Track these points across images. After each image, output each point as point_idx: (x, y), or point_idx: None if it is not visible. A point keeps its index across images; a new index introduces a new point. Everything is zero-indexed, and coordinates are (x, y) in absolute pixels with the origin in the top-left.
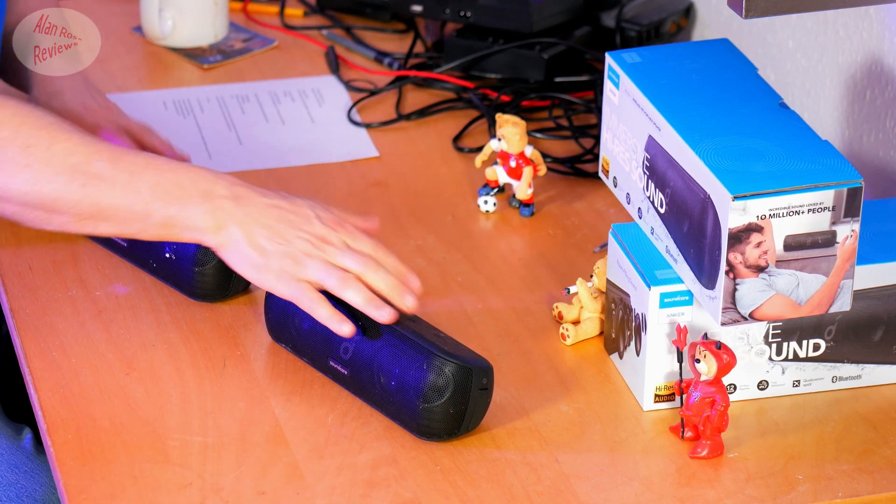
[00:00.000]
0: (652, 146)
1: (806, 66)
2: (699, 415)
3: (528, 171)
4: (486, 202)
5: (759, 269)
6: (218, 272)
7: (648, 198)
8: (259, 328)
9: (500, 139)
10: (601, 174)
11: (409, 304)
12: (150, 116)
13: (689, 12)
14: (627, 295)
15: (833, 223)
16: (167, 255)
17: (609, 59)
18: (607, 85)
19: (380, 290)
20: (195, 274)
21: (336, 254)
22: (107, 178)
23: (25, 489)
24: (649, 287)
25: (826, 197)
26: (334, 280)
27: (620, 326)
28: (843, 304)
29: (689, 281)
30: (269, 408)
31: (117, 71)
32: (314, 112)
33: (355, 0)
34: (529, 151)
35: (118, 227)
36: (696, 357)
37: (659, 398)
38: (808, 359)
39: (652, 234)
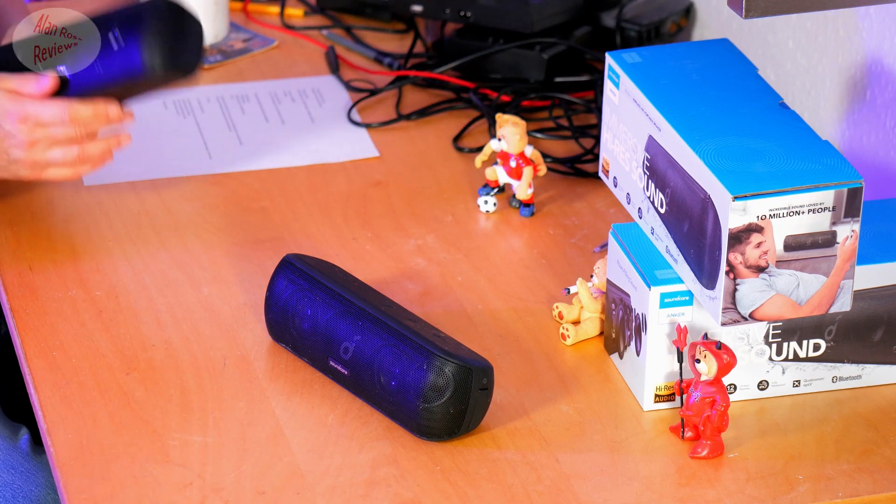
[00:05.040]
0: (652, 146)
1: (806, 66)
2: (699, 415)
3: (528, 171)
4: (486, 202)
5: (760, 270)
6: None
7: (648, 198)
8: (259, 328)
9: (500, 139)
10: (601, 174)
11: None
12: (151, 116)
13: (689, 12)
14: (627, 295)
15: (833, 223)
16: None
17: (609, 59)
18: (607, 85)
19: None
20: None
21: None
22: None
23: (21, 490)
24: (649, 287)
25: (826, 197)
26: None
27: (620, 326)
28: (844, 305)
29: (689, 281)
30: (269, 408)
31: None
32: (314, 112)
33: (355, 0)
34: (529, 151)
35: None
36: (697, 357)
37: (659, 398)
38: (808, 359)
39: (652, 234)
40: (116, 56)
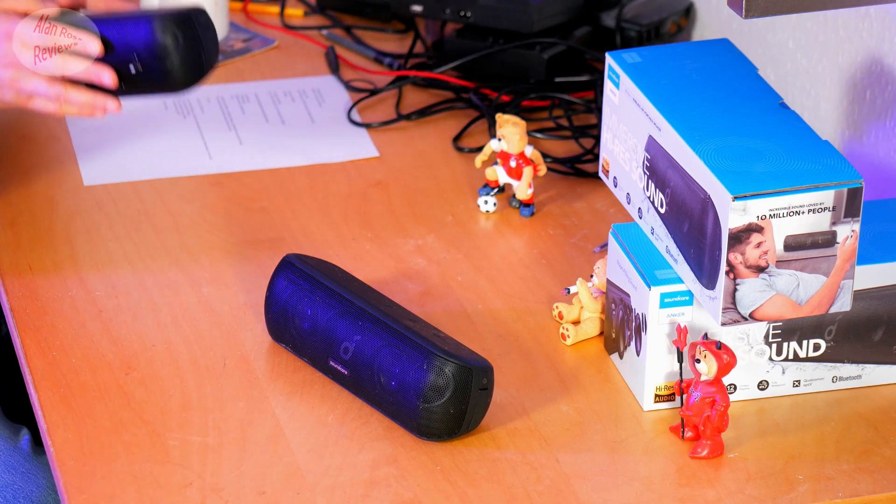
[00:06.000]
0: (652, 146)
1: (806, 66)
2: (699, 415)
3: (528, 171)
4: (486, 202)
5: (760, 270)
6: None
7: (648, 198)
8: (259, 328)
9: (500, 139)
10: (601, 174)
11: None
12: (150, 116)
13: (689, 12)
14: (627, 295)
15: (833, 223)
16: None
17: (609, 59)
18: (607, 85)
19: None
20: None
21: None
22: None
23: (22, 490)
24: (649, 287)
25: (826, 197)
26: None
27: (620, 326)
28: (844, 305)
29: (690, 281)
30: (269, 408)
31: None
32: (314, 112)
33: (355, 0)
34: (529, 151)
35: None
36: (697, 357)
37: (659, 398)
38: (808, 359)
39: (652, 234)
40: (135, 78)
